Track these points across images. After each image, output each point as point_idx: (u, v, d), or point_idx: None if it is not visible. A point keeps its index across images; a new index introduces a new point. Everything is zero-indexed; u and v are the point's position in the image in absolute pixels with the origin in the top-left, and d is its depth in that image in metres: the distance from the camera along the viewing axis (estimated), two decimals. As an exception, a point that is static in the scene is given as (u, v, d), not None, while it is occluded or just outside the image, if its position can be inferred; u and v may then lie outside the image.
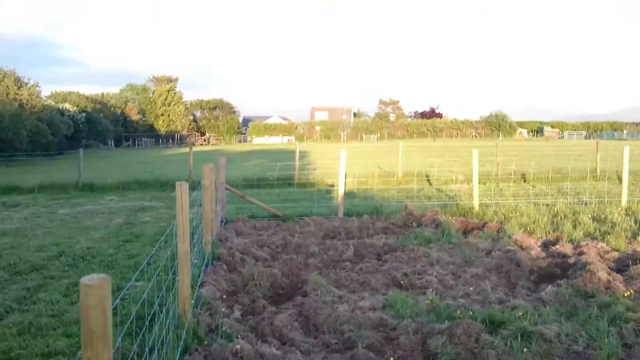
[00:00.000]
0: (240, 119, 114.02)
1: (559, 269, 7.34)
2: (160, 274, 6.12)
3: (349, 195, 14.36)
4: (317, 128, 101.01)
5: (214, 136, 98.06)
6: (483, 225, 10.03)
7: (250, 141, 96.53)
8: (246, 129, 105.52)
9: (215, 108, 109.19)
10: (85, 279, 2.43)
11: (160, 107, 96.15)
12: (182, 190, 5.12)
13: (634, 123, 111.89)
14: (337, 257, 8.13)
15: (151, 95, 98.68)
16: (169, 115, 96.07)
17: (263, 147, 68.40)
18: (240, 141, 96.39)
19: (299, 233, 9.63)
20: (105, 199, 16.30)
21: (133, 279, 6.87)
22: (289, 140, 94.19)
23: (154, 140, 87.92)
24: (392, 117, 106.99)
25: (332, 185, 17.11)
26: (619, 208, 11.21)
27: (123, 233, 10.81)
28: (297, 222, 10.69)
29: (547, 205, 12.02)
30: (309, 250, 8.44)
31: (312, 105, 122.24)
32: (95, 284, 2.41)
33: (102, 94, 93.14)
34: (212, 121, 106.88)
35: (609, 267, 7.09)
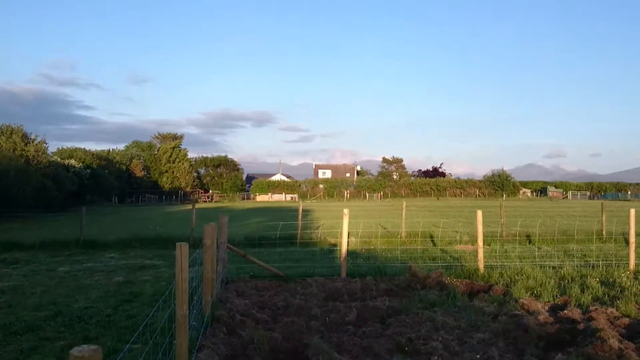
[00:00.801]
0: (244, 177, 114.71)
1: (568, 335, 7.11)
2: (158, 336, 5.95)
3: (352, 255, 14.20)
4: (321, 186, 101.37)
5: (218, 193, 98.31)
6: (489, 288, 9.84)
7: (253, 199, 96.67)
8: (250, 187, 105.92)
9: (219, 165, 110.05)
10: (75, 350, 2.32)
11: (164, 164, 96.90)
12: (181, 252, 5.03)
13: (637, 184, 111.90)
14: (339, 320, 7.93)
15: (156, 152, 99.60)
16: (173, 172, 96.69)
17: (266, 204, 68.39)
18: (243, 198, 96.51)
19: (300, 294, 9.45)
20: (106, 257, 16.14)
21: (130, 342, 6.68)
22: (292, 198, 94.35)
23: (157, 196, 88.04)
24: (395, 175, 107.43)
25: (334, 245, 16.96)
26: (627, 271, 11.02)
27: (122, 292, 10.63)
28: (299, 282, 10.53)
29: (554, 267, 11.84)
30: (310, 312, 8.25)
31: (316, 163, 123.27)
32: (85, 356, 2.30)
33: (108, 151, 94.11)
34: (216, 178, 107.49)
35: (620, 334, 6.88)
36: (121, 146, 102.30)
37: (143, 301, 9.75)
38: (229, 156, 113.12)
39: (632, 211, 11.91)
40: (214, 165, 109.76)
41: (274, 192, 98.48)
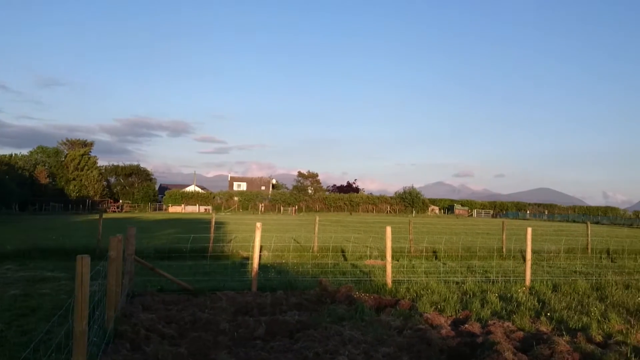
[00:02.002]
0: (157, 187, 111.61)
1: (468, 348, 7.41)
2: (53, 353, 5.65)
3: (263, 268, 14.15)
4: (235, 198, 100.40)
5: (128, 203, 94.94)
6: (396, 303, 10.09)
7: (165, 210, 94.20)
8: (162, 197, 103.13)
9: (131, 174, 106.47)
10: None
11: (72, 172, 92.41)
12: (82, 264, 4.83)
13: (535, 204, 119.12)
14: (248, 335, 7.86)
15: (63, 159, 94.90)
16: (81, 180, 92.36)
17: (179, 216, 66.84)
18: (155, 209, 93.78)
19: (209, 308, 9.29)
20: (2, 268, 15.15)
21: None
22: (205, 209, 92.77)
23: (63, 205, 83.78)
24: (310, 190, 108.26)
25: (247, 258, 16.82)
26: (524, 287, 11.64)
27: (17, 306, 10.00)
28: (209, 296, 10.35)
29: (457, 283, 12.32)
30: (219, 327, 8.12)
31: (232, 175, 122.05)
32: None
33: (10, 155, 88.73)
34: (127, 188, 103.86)
35: (515, 347, 7.25)
36: (25, 151, 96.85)
37: (40, 316, 9.23)
38: (142, 165, 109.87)
39: (529, 230, 12.63)
40: (125, 174, 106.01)
41: (187, 204, 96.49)
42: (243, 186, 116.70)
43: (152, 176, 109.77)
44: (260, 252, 11.84)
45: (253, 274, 11.40)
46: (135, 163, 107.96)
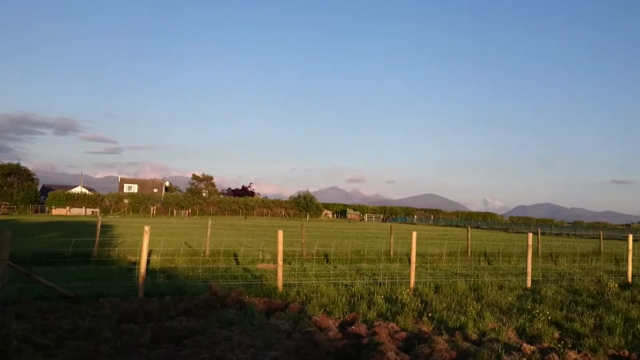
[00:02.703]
0: (39, 188, 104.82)
1: (353, 350, 7.60)
2: None
3: (152, 273, 13.74)
4: (126, 201, 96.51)
5: (6, 205, 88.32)
6: (286, 306, 10.15)
7: (48, 212, 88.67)
8: (45, 199, 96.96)
9: (9, 174, 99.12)
10: None
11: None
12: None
13: (422, 209, 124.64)
14: (132, 343, 7.58)
15: None
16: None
17: (63, 218, 63.19)
18: (36, 211, 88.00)
19: (91, 316, 8.86)
20: None
21: None
22: (93, 212, 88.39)
23: None
24: (204, 193, 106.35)
25: (135, 263, 16.22)
26: (408, 289, 12.13)
27: None
28: (91, 303, 9.87)
29: (346, 285, 12.61)
30: (101, 335, 7.76)
31: (122, 177, 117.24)
32: None
33: None
34: (5, 188, 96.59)
35: (398, 347, 7.54)
36: None
37: None
38: (23, 164, 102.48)
39: (414, 234, 13.20)
40: (3, 173, 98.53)
41: (73, 206, 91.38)
42: (134, 188, 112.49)
43: (33, 176, 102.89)
44: (149, 256, 11.50)
45: (140, 279, 11.02)
46: (15, 162, 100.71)
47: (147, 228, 11.21)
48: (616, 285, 13.53)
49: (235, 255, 19.01)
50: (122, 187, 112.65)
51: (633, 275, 15.19)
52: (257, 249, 21.35)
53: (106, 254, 17.96)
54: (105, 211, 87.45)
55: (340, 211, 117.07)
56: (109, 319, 8.77)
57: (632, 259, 15.45)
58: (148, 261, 11.40)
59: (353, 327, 8.59)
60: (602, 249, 27.48)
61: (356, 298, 11.08)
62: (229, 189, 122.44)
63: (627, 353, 7.66)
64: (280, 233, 12.28)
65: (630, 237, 15.71)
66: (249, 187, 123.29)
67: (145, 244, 11.15)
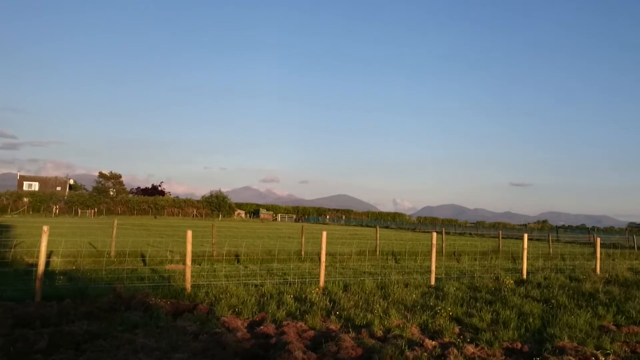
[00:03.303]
0: None
1: (261, 350, 7.60)
2: None
3: (51, 275, 13.09)
4: (25, 199, 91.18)
5: None
6: (194, 308, 9.98)
7: None
8: None
9: None
10: None
11: None
12: None
13: (334, 209, 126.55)
14: (26, 350, 7.17)
15: None
16: None
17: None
18: None
19: (-18, 322, 8.31)
20: None
21: None
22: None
23: None
24: (112, 192, 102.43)
25: (33, 265, 15.35)
26: (318, 288, 12.27)
27: None
28: (-18, 309, 9.25)
29: (257, 285, 12.58)
30: (-8, 342, 7.31)
31: (21, 174, 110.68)
32: None
33: None
34: None
35: (306, 346, 7.62)
36: None
37: None
38: None
39: (324, 234, 13.37)
40: None
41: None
42: (35, 186, 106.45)
43: None
44: (48, 257, 10.95)
45: (37, 281, 10.46)
46: None
47: (45, 228, 10.67)
48: (512, 281, 14.34)
49: (142, 256, 18.46)
50: (21, 185, 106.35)
51: (528, 272, 16.13)
52: (167, 250, 20.84)
53: (1, 256, 16.90)
54: (2, 210, 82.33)
55: (253, 211, 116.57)
56: (1, 325, 8.27)
57: (527, 256, 16.42)
58: (48, 263, 10.85)
59: (262, 327, 8.59)
60: (500, 247, 29.00)
61: (266, 298, 11.08)
62: (139, 188, 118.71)
63: (519, 345, 8.14)
64: (189, 233, 12.06)
65: (526, 236, 16.69)
66: (160, 186, 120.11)
67: (43, 245, 10.60)
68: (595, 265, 17.42)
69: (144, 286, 12.12)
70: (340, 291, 12.16)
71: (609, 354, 7.62)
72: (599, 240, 18.18)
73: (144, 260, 17.78)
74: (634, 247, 35.33)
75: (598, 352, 7.59)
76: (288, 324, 8.74)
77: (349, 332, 8.59)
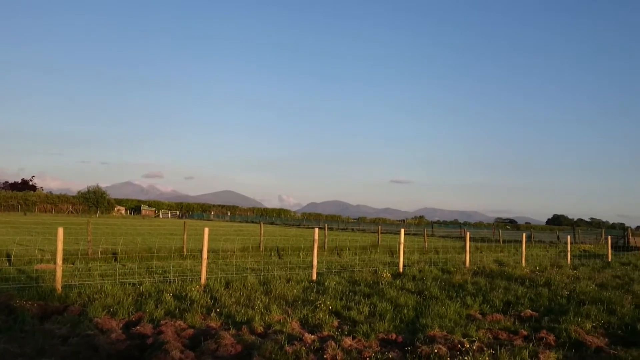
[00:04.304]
0: None
1: (137, 351, 7.34)
2: None
3: None
4: None
5: None
6: (64, 309, 9.43)
7: None
8: None
9: None
10: None
11: None
12: None
13: (219, 205, 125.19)
14: None
15: None
16: None
17: None
18: None
19: None
20: None
21: None
22: None
23: None
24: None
25: None
26: (199, 285, 12.06)
27: None
28: None
29: (134, 284, 12.13)
30: None
31: None
32: None
33: None
34: None
35: (184, 345, 7.46)
36: None
37: None
38: None
39: (206, 230, 13.16)
40: None
41: None
42: None
43: None
44: None
45: None
46: None
47: None
48: (389, 275, 14.95)
49: (8, 255, 17.14)
50: None
51: (404, 265, 16.89)
52: (38, 249, 19.52)
53: None
54: None
55: (134, 207, 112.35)
56: None
57: (404, 251, 17.19)
58: None
59: (138, 328, 8.30)
60: (380, 242, 30.14)
61: (144, 297, 10.71)
62: (6, 182, 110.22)
63: (394, 336, 8.51)
64: (60, 230, 11.40)
65: (402, 231, 17.47)
66: (31, 180, 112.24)
67: None
68: (465, 258, 18.59)
69: (9, 288, 11.28)
70: (222, 288, 12.03)
71: (474, 340, 8.15)
72: (468, 234, 19.44)
73: (9, 260, 16.54)
74: (499, 241, 38.19)
75: (465, 339, 8.10)
76: (166, 323, 8.52)
77: (229, 329, 8.52)
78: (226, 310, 9.83)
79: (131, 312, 9.49)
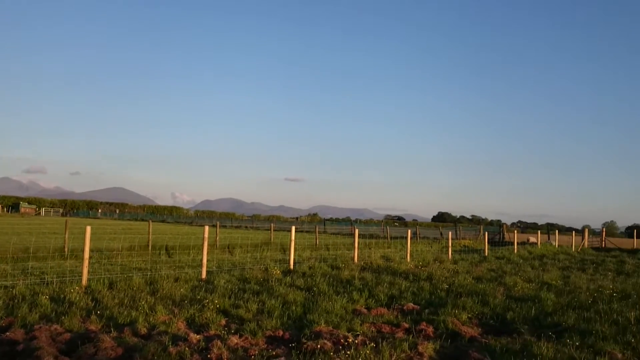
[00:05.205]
0: None
1: (6, 358, 6.87)
2: None
3: None
4: None
5: None
6: None
7: None
8: None
9: None
10: None
11: None
12: None
13: (107, 203, 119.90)
14: None
15: None
16: None
17: None
18: None
19: None
20: None
21: None
22: None
23: None
24: None
25: None
26: (79, 287, 11.46)
27: None
28: None
29: (6, 287, 11.32)
30: None
31: None
32: None
33: None
34: None
35: (59, 350, 7.07)
36: None
37: None
38: None
39: (88, 229, 12.53)
40: None
41: None
42: None
43: None
44: None
45: None
46: None
47: None
48: (280, 272, 15.02)
49: None
50: None
51: (295, 262, 17.04)
52: None
53: None
54: None
55: (12, 205, 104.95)
56: None
57: (295, 248, 17.34)
58: None
59: (8, 334, 7.75)
60: (272, 239, 30.21)
61: (17, 301, 10.01)
62: None
63: (281, 333, 8.56)
64: None
65: (293, 228, 17.63)
66: None
67: None
68: (354, 254, 19.07)
69: None
70: (105, 289, 11.51)
71: (358, 335, 8.37)
72: (357, 231, 19.99)
73: None
74: (387, 237, 39.58)
75: (349, 334, 8.31)
76: (40, 327, 8.02)
77: (110, 332, 8.17)
78: (108, 312, 9.42)
79: (2, 318, 8.84)
